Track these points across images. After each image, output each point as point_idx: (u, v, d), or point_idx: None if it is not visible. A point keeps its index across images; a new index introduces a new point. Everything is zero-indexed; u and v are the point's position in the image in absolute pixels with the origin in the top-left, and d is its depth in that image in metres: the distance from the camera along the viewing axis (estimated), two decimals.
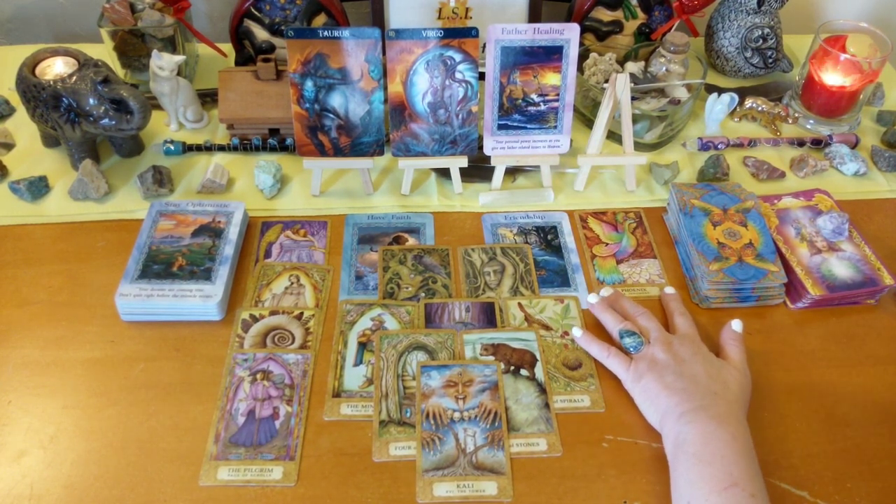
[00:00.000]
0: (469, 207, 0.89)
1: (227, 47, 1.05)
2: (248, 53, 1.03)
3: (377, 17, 1.01)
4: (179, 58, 0.90)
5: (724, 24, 1.07)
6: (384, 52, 0.81)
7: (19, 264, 0.80)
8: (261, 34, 1.01)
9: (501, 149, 0.87)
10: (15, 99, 0.97)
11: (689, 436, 0.58)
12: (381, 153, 0.87)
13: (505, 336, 0.74)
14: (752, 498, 0.54)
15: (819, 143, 0.97)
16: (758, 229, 0.81)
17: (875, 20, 1.18)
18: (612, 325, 0.71)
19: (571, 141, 0.92)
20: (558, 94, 0.85)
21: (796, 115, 0.99)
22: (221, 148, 0.94)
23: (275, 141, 0.93)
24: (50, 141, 0.93)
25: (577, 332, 0.72)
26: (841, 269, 0.78)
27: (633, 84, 0.92)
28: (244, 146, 0.93)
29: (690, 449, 0.58)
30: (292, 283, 0.79)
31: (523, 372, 0.71)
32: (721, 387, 0.63)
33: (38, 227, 0.84)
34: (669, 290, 0.77)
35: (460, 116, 0.85)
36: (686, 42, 0.95)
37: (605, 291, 0.76)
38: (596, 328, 0.75)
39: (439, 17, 1.01)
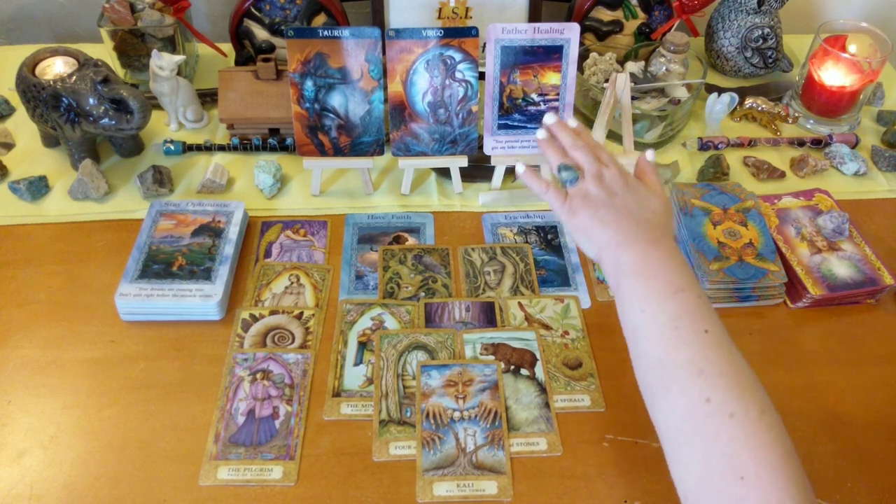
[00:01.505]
0: (469, 207, 0.89)
1: (227, 47, 1.05)
2: (248, 53, 1.03)
3: (377, 17, 1.01)
4: (179, 58, 0.90)
5: (724, 24, 1.07)
6: (384, 52, 0.81)
7: (19, 264, 0.80)
8: (261, 34, 1.01)
9: (501, 148, 0.87)
10: (15, 99, 0.97)
11: (629, 258, 0.60)
12: (381, 153, 0.87)
13: (505, 336, 0.74)
14: (699, 299, 0.56)
15: (819, 143, 0.97)
16: (758, 229, 0.81)
17: (875, 20, 1.18)
18: (553, 160, 0.70)
19: None
20: (558, 94, 0.85)
21: (796, 115, 0.99)
22: (221, 148, 0.94)
23: (275, 141, 0.93)
24: (50, 141, 0.93)
25: (519, 169, 0.72)
26: (841, 268, 0.78)
27: (633, 84, 0.92)
28: (244, 146, 0.93)
29: (632, 269, 0.59)
30: (292, 283, 0.79)
31: (523, 371, 0.71)
32: (650, 213, 0.64)
33: (38, 227, 0.84)
34: (573, 122, 0.74)
35: (460, 116, 0.85)
36: (686, 42, 0.95)
37: (549, 119, 0.74)
38: (597, 328, 0.75)
39: (439, 17, 1.01)
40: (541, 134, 0.73)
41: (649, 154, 0.71)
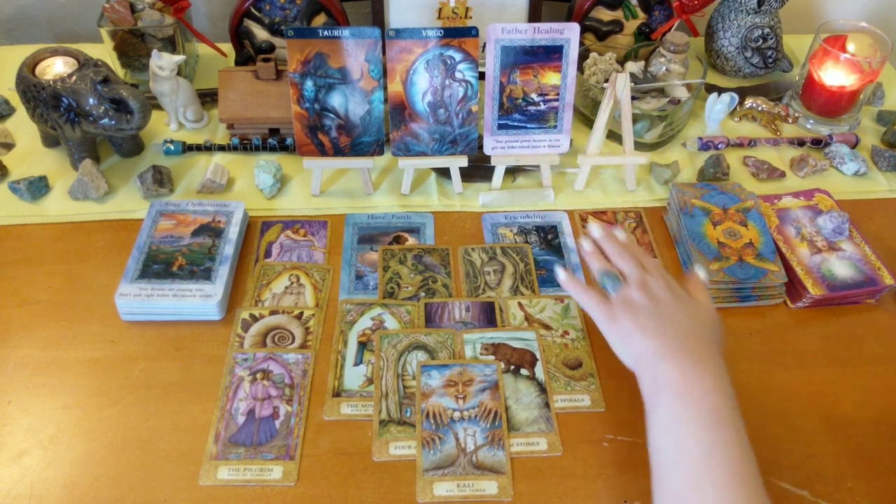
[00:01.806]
0: (469, 207, 0.89)
1: (227, 47, 1.05)
2: (248, 53, 1.03)
3: (377, 17, 1.01)
4: (179, 58, 0.90)
5: (724, 23, 1.07)
6: (384, 52, 0.81)
7: (19, 264, 0.80)
8: (261, 34, 1.01)
9: (501, 148, 0.87)
10: (15, 99, 0.97)
11: (669, 373, 0.57)
12: (381, 153, 0.87)
13: (505, 336, 0.74)
14: (738, 434, 0.53)
15: (819, 143, 0.97)
16: (758, 229, 0.81)
17: (875, 20, 1.18)
18: (596, 268, 0.68)
19: (571, 141, 0.92)
20: (558, 94, 0.85)
21: (796, 114, 0.99)
22: (221, 148, 0.94)
23: (275, 141, 0.93)
24: (50, 141, 0.93)
25: (560, 276, 0.68)
26: (841, 268, 0.78)
27: (633, 84, 0.92)
28: (244, 146, 0.93)
29: (672, 388, 0.56)
30: (292, 283, 0.79)
31: (523, 371, 0.71)
32: (697, 324, 0.61)
33: (38, 227, 0.84)
34: (620, 233, 0.70)
35: (460, 116, 0.85)
36: (686, 42, 0.95)
37: (595, 231, 0.70)
38: (596, 327, 0.75)
39: (439, 17, 1.01)
40: (586, 246, 0.70)
41: (700, 272, 0.69)
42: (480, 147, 0.88)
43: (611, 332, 0.63)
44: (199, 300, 0.74)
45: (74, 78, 0.81)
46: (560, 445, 0.65)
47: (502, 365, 0.71)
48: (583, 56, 1.00)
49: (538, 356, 0.72)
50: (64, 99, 0.81)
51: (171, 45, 0.98)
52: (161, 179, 0.87)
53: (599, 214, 0.88)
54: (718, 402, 0.55)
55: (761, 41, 1.05)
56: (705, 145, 0.96)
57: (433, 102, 0.84)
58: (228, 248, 0.79)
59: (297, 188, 0.90)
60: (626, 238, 0.70)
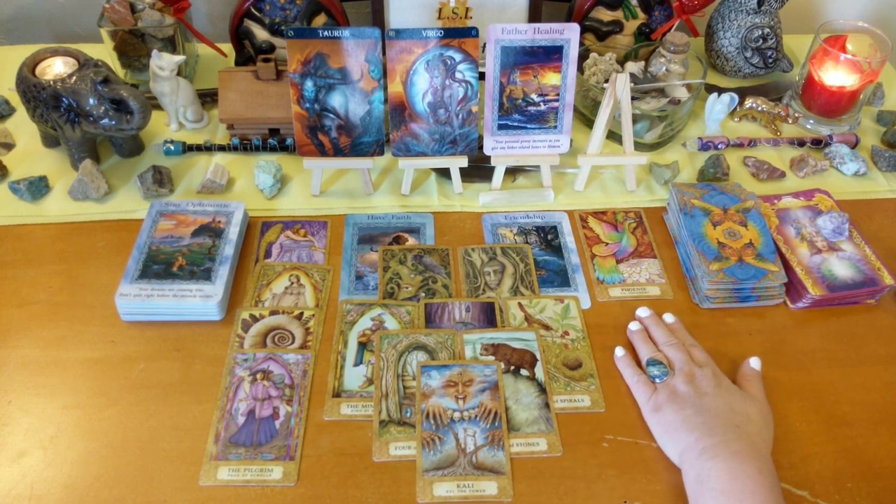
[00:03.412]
0: (469, 207, 0.89)
1: (227, 47, 1.05)
2: (248, 53, 1.03)
3: (377, 17, 1.01)
4: (179, 58, 0.90)
5: (724, 24, 1.07)
6: (384, 52, 0.81)
7: (19, 264, 0.80)
8: (261, 34, 1.01)
9: (501, 149, 0.87)
10: (15, 99, 0.97)
11: (714, 472, 0.56)
12: (381, 153, 0.87)
13: (505, 336, 0.74)
14: None
15: (819, 143, 0.97)
16: (758, 229, 0.81)
17: (875, 20, 1.18)
18: (643, 353, 0.70)
19: (571, 141, 0.92)
20: (558, 94, 0.85)
21: (796, 115, 0.99)
22: (221, 148, 0.94)
23: (275, 141, 0.93)
24: (50, 141, 0.93)
25: (619, 353, 0.71)
26: (841, 268, 0.78)
27: (633, 84, 0.92)
28: (244, 146, 0.93)
29: (717, 486, 0.55)
30: (292, 283, 0.79)
31: (523, 372, 0.71)
32: (743, 419, 0.61)
33: (38, 227, 0.84)
34: (669, 317, 0.74)
35: (460, 116, 0.85)
36: (686, 42, 0.95)
37: (643, 312, 0.74)
38: (597, 328, 0.75)
39: (439, 17, 1.01)
40: (634, 326, 0.72)
41: (755, 362, 0.68)
42: (480, 147, 0.88)
43: (654, 422, 0.64)
44: (199, 300, 0.74)
45: (74, 78, 0.81)
46: (560, 446, 0.65)
47: (502, 365, 0.71)
48: (583, 56, 1.00)
49: (538, 356, 0.72)
50: (64, 99, 0.81)
51: (171, 45, 0.98)
52: (161, 179, 0.87)
53: (599, 214, 0.88)
54: (763, 501, 0.54)
55: (761, 41, 1.05)
56: (705, 145, 0.96)
57: (433, 103, 0.84)
58: (228, 249, 0.79)
59: (297, 188, 0.90)
60: (676, 323, 0.71)
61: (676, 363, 0.67)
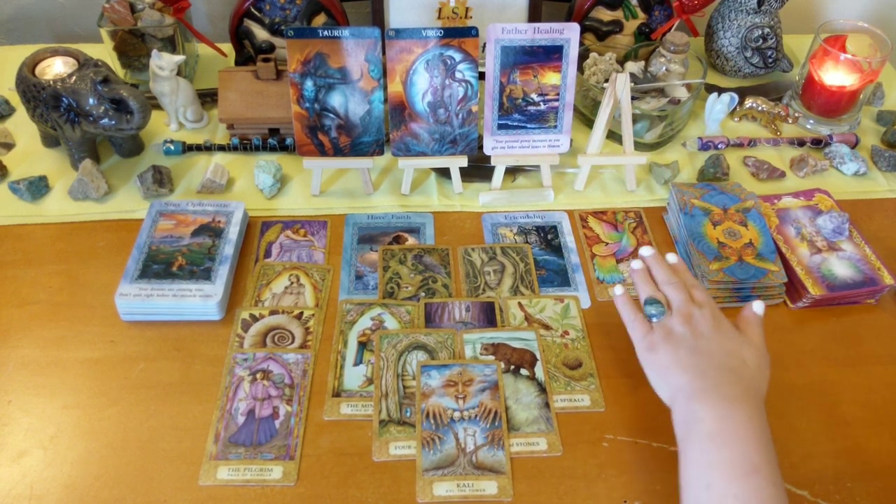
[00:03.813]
0: (469, 207, 0.89)
1: (227, 47, 1.05)
2: (248, 53, 1.03)
3: (377, 17, 1.01)
4: (179, 58, 0.90)
5: (724, 23, 1.07)
6: (384, 52, 0.81)
7: (19, 264, 0.80)
8: (261, 34, 1.01)
9: (501, 148, 0.87)
10: (15, 99, 0.97)
11: (703, 415, 0.55)
12: (381, 153, 0.87)
13: (505, 336, 0.74)
14: (775, 487, 0.51)
15: (819, 143, 0.97)
16: (758, 229, 0.81)
17: (875, 20, 1.18)
18: (643, 292, 0.66)
19: (571, 141, 0.92)
20: (558, 94, 0.85)
21: (796, 114, 0.99)
22: (221, 148, 0.94)
23: (275, 141, 0.93)
24: (50, 141, 0.93)
25: (617, 291, 0.67)
26: (841, 268, 0.78)
27: (633, 84, 0.92)
28: (244, 146, 0.93)
29: (704, 429, 0.54)
30: (292, 283, 0.79)
31: (523, 371, 0.71)
32: (738, 363, 0.58)
33: (38, 227, 0.84)
34: (672, 257, 0.69)
35: (460, 116, 0.85)
36: (686, 42, 0.95)
37: (646, 251, 0.69)
38: (597, 327, 0.75)
39: (439, 17, 1.01)
40: (636, 265, 0.68)
41: (757, 306, 0.65)
42: (480, 147, 0.88)
43: (648, 362, 0.62)
44: (199, 300, 0.74)
45: (74, 78, 0.81)
46: (560, 445, 0.65)
47: (502, 365, 0.71)
48: (583, 56, 1.00)
49: (538, 356, 0.72)
50: (64, 99, 0.81)
51: (171, 45, 0.98)
52: (161, 179, 0.87)
53: (599, 214, 0.88)
54: (751, 449, 0.52)
55: (761, 41, 1.05)
56: (705, 145, 0.96)
57: (433, 102, 0.84)
58: (228, 248, 0.79)
59: (297, 188, 0.90)
60: (678, 262, 0.68)
61: (675, 303, 0.63)
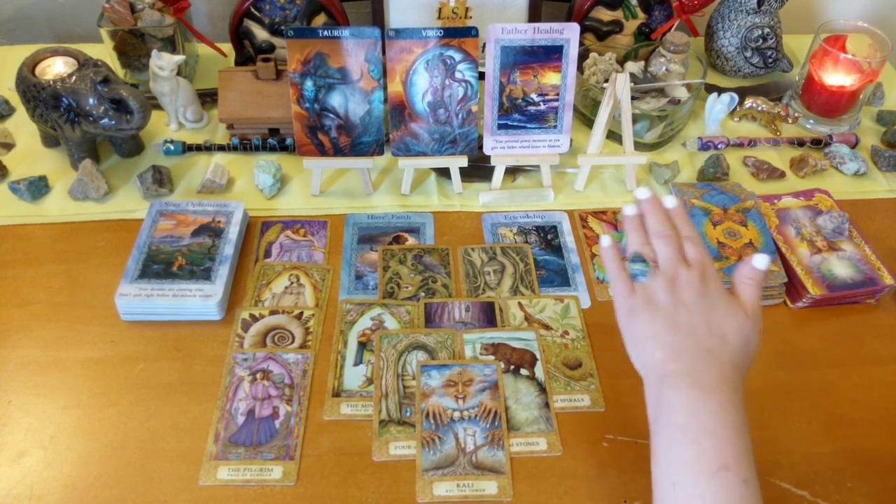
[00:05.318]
0: (469, 207, 0.89)
1: (227, 47, 1.05)
2: (248, 53, 1.03)
3: (377, 17, 1.01)
4: (179, 58, 0.90)
5: (724, 23, 1.07)
6: (384, 52, 0.81)
7: (19, 264, 0.80)
8: (261, 34, 1.01)
9: (501, 148, 0.87)
10: (15, 99, 0.97)
11: (674, 403, 0.50)
12: (381, 153, 0.87)
13: (505, 336, 0.74)
14: (745, 484, 0.47)
15: (819, 143, 0.97)
16: (758, 229, 0.81)
17: (875, 20, 1.18)
18: (632, 243, 0.59)
19: (571, 141, 0.92)
20: (558, 94, 0.85)
21: (796, 114, 0.99)
22: (221, 148, 0.94)
23: (275, 141, 0.93)
24: (50, 141, 0.93)
25: (605, 242, 0.60)
26: (841, 268, 0.78)
27: (633, 84, 0.92)
28: (244, 146, 0.93)
29: (674, 420, 0.50)
30: (292, 283, 0.79)
31: (523, 371, 0.71)
32: (718, 342, 0.53)
33: (38, 227, 0.84)
34: (670, 201, 0.60)
35: (460, 116, 0.85)
36: (686, 42, 0.95)
37: (642, 193, 0.60)
38: (597, 327, 0.75)
39: (439, 17, 1.01)
40: (628, 210, 0.60)
41: (759, 260, 0.56)
42: (480, 147, 0.88)
43: (625, 327, 0.57)
44: (199, 300, 0.74)
45: (74, 78, 0.81)
46: (560, 445, 0.65)
47: (502, 365, 0.71)
48: (583, 56, 1.00)
49: (538, 356, 0.72)
50: (64, 99, 0.81)
51: (171, 45, 0.98)
52: (161, 179, 0.87)
53: (599, 214, 0.88)
54: (722, 444, 0.48)
55: (761, 41, 1.05)
56: (705, 145, 0.96)
57: (433, 102, 0.84)
58: (228, 248, 0.79)
59: (296, 188, 0.90)
60: (676, 208, 0.60)
61: (662, 261, 0.56)
